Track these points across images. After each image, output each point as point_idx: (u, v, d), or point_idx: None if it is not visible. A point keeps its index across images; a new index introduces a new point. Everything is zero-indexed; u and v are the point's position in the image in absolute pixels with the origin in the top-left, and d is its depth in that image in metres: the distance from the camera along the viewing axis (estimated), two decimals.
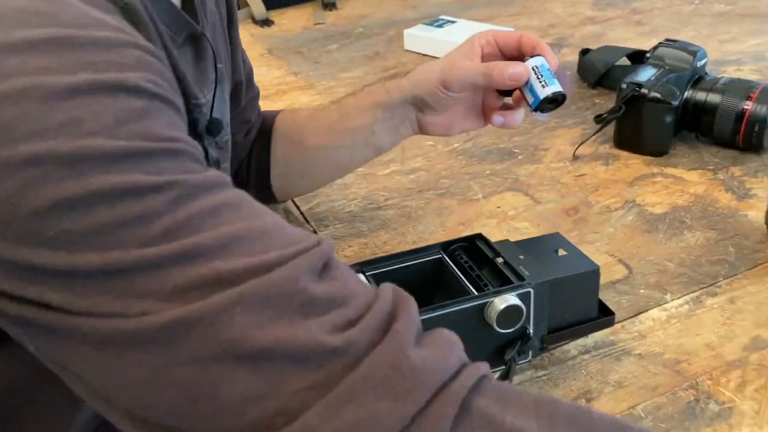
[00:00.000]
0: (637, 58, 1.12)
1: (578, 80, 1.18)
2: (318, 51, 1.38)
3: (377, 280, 0.60)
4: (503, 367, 0.57)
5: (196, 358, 0.34)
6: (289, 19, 1.58)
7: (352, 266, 0.61)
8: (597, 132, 0.96)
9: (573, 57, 1.22)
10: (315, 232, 0.84)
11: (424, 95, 0.70)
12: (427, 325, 0.53)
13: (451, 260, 0.62)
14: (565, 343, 0.64)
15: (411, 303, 0.39)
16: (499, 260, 0.59)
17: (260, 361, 0.34)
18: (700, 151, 0.95)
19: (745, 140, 0.91)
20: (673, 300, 0.70)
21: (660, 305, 0.69)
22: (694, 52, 0.94)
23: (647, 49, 1.00)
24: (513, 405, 0.37)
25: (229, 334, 0.34)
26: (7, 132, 0.33)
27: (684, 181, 0.89)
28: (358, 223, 0.86)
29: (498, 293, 0.55)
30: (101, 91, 0.35)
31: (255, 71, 0.80)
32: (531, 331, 0.57)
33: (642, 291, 0.71)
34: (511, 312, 0.54)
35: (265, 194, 0.81)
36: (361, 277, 0.60)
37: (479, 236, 0.63)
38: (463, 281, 0.58)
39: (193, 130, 0.57)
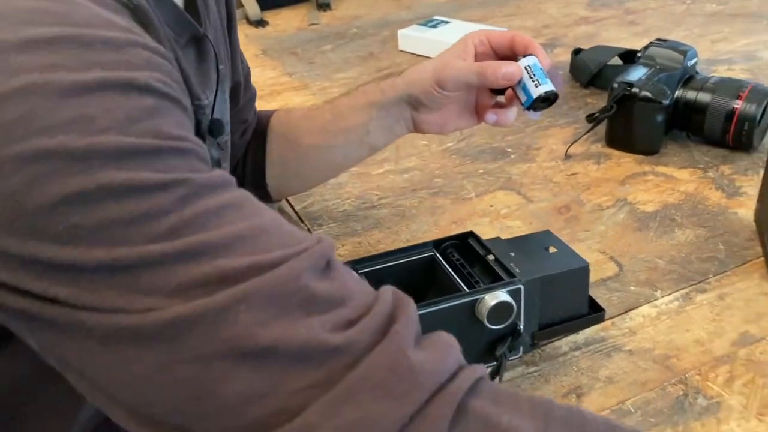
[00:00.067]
0: (629, 57, 1.13)
1: (570, 80, 1.18)
2: (312, 51, 1.39)
3: (370, 278, 0.61)
4: (494, 363, 0.57)
5: (199, 355, 0.35)
6: (283, 20, 1.58)
7: (345, 264, 0.62)
8: (589, 131, 0.96)
9: (566, 57, 1.23)
10: (309, 231, 0.85)
11: (418, 94, 0.71)
12: (420, 322, 0.54)
13: (443, 258, 0.62)
14: (556, 340, 0.65)
15: (410, 305, 0.39)
16: (490, 257, 0.60)
17: (263, 359, 0.35)
18: (691, 149, 0.96)
19: (735, 139, 0.92)
20: (663, 297, 0.70)
21: (650, 302, 0.70)
22: (684, 51, 0.95)
23: (640, 48, 1.01)
24: (509, 406, 0.37)
25: (232, 332, 0.35)
26: (17, 128, 0.34)
27: (675, 179, 0.90)
28: (351, 222, 0.86)
29: (489, 290, 0.56)
30: (113, 89, 0.36)
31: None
32: (521, 327, 0.58)
33: (632, 288, 0.72)
34: (501, 308, 0.55)
35: (261, 194, 0.81)
36: None
37: (471, 234, 0.64)
38: (455, 278, 0.59)
39: (196, 131, 0.57)
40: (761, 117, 0.89)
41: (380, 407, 0.34)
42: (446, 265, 0.61)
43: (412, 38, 1.34)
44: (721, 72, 1.14)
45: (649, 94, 0.91)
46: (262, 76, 1.28)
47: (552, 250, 0.62)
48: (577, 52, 1.20)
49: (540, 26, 1.43)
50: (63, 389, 0.40)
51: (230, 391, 0.35)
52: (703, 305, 0.69)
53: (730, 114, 0.90)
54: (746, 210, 0.82)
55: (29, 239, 0.34)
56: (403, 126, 0.75)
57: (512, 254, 0.60)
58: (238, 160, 0.80)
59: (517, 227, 0.82)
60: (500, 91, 0.73)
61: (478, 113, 0.75)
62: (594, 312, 0.62)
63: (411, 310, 0.39)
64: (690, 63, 0.95)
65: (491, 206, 0.87)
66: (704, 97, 0.92)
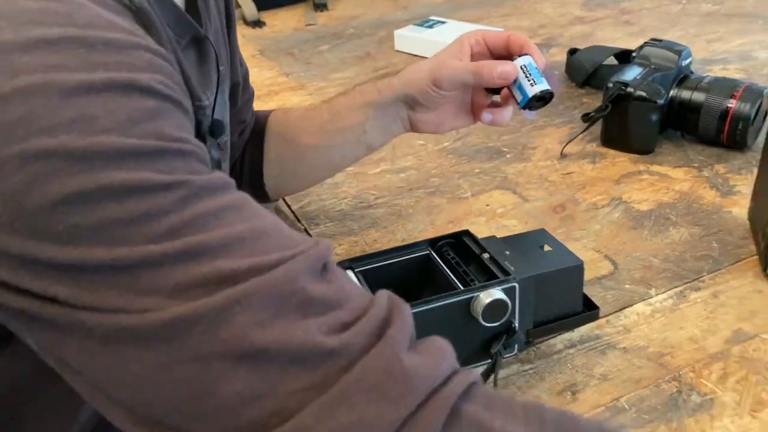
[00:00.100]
0: (625, 57, 1.14)
1: (566, 80, 1.19)
2: (309, 52, 1.39)
3: (366, 276, 0.61)
4: (489, 360, 0.58)
5: (197, 355, 0.35)
6: (280, 20, 1.59)
7: (342, 263, 0.62)
8: (584, 131, 0.97)
9: (561, 57, 1.23)
10: (306, 230, 0.85)
11: (415, 94, 0.72)
12: (415, 320, 0.54)
13: (438, 256, 0.63)
14: (551, 338, 0.65)
15: (405, 309, 0.39)
16: (486, 256, 0.60)
17: (259, 360, 0.35)
18: (686, 148, 0.96)
19: (729, 138, 0.92)
20: (657, 295, 0.71)
21: (644, 300, 0.70)
22: (679, 51, 0.95)
23: (635, 48, 1.01)
24: (502, 411, 0.38)
25: (229, 333, 0.35)
26: (19, 127, 0.34)
27: (669, 178, 0.90)
28: (348, 221, 0.87)
29: (484, 288, 0.56)
30: (115, 90, 0.36)
31: None
32: (516, 325, 0.58)
33: (627, 286, 0.72)
34: (496, 306, 0.56)
35: (259, 193, 0.82)
36: (350, 273, 0.62)
37: (466, 233, 0.64)
38: (450, 277, 0.59)
39: (197, 132, 0.57)
40: (755, 116, 0.90)
41: (374, 410, 0.35)
42: (442, 264, 0.62)
43: (409, 38, 1.35)
44: (716, 72, 1.15)
45: (643, 94, 0.92)
46: (260, 76, 1.28)
47: (547, 248, 0.63)
48: (572, 52, 1.20)
49: (536, 26, 1.44)
50: (63, 389, 0.40)
51: (227, 391, 0.35)
52: (697, 303, 0.69)
53: (725, 113, 0.91)
54: (740, 209, 0.82)
55: (30, 239, 0.34)
56: (399, 125, 0.76)
57: (507, 252, 0.60)
58: (236, 159, 0.80)
59: (513, 226, 0.83)
60: (496, 91, 0.73)
61: (474, 113, 0.76)
62: (588, 310, 0.62)
63: (406, 314, 0.39)
64: (684, 63, 0.96)
65: (487, 205, 0.88)
66: (699, 96, 0.93)
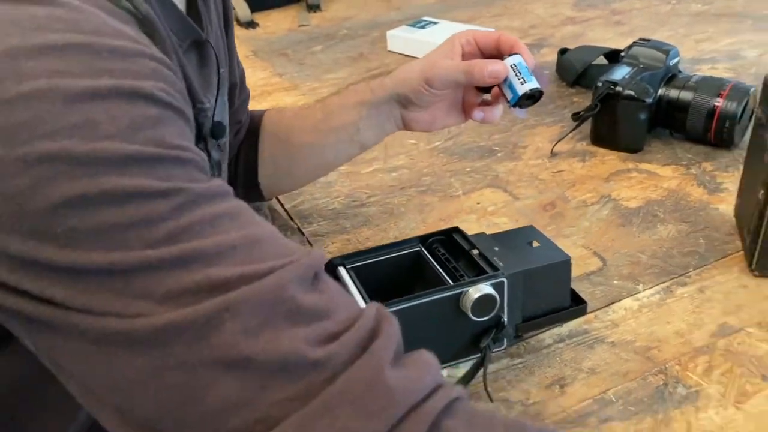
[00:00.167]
0: (614, 57, 1.15)
1: (557, 79, 1.20)
2: (302, 52, 1.40)
3: (358, 273, 0.62)
4: (479, 354, 0.59)
5: (185, 362, 0.35)
6: (273, 21, 1.60)
7: (333, 260, 0.63)
8: (574, 129, 0.98)
9: (552, 57, 1.24)
10: (299, 229, 0.86)
11: (407, 93, 0.73)
12: (406, 315, 0.55)
13: (429, 253, 0.64)
14: (540, 332, 0.66)
15: (392, 322, 0.40)
16: (475, 252, 0.61)
17: (246, 368, 0.35)
18: (674, 147, 0.97)
19: (716, 136, 0.93)
20: (645, 290, 0.72)
21: (632, 295, 0.71)
22: (667, 50, 0.97)
23: (624, 48, 1.02)
24: (482, 427, 0.38)
25: (218, 340, 0.35)
26: (23, 131, 0.34)
27: (658, 176, 0.91)
28: (341, 219, 0.88)
29: (473, 283, 0.57)
30: (119, 97, 0.36)
31: None
32: (505, 319, 0.59)
33: (615, 282, 0.73)
34: (485, 301, 0.57)
35: (253, 192, 0.82)
36: (342, 270, 0.63)
37: (456, 229, 0.65)
38: (440, 272, 0.61)
39: (198, 134, 0.58)
40: (741, 114, 0.91)
41: (354, 423, 0.35)
42: (432, 260, 0.63)
43: (401, 39, 1.36)
44: (705, 71, 1.16)
45: (632, 93, 0.93)
46: (253, 77, 1.29)
47: (535, 244, 0.64)
48: (563, 51, 1.22)
49: (527, 26, 1.45)
50: (63, 389, 0.41)
51: (214, 398, 0.35)
52: (684, 298, 0.71)
53: (712, 112, 0.92)
54: (727, 205, 0.84)
55: (30, 240, 0.35)
56: (392, 124, 0.77)
57: (496, 249, 0.61)
58: (231, 159, 0.81)
59: (503, 224, 0.84)
60: (487, 90, 0.74)
61: (466, 111, 0.77)
62: (576, 305, 0.63)
63: (393, 327, 0.39)
64: (672, 62, 0.97)
65: (478, 203, 0.89)
66: (686, 95, 0.94)
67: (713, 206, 0.84)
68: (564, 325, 0.67)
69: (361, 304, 0.57)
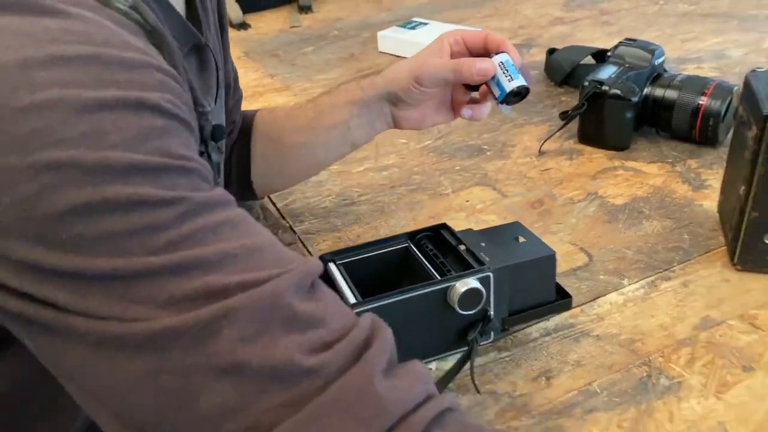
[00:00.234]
0: (602, 56, 1.17)
1: (545, 79, 1.22)
2: (294, 53, 1.42)
3: (348, 268, 0.63)
4: (466, 347, 0.60)
5: (181, 367, 0.36)
6: (265, 23, 1.61)
7: (324, 256, 0.65)
8: (561, 128, 1.00)
9: (541, 57, 1.26)
10: (291, 227, 0.88)
11: (398, 91, 0.74)
12: (395, 308, 0.56)
13: (417, 249, 0.65)
14: (527, 326, 0.68)
15: (386, 332, 0.40)
16: (462, 248, 0.62)
17: (240, 375, 0.36)
18: (660, 145, 0.99)
19: (701, 134, 0.95)
20: (630, 285, 0.73)
21: (618, 290, 0.73)
22: (652, 50, 0.98)
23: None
24: None
25: (214, 347, 0.36)
26: (33, 139, 0.35)
27: (644, 173, 0.93)
28: (332, 218, 0.89)
29: (459, 277, 0.58)
30: (126, 108, 0.37)
31: None
32: (492, 313, 0.61)
33: (601, 277, 0.75)
34: (471, 295, 0.58)
35: (246, 192, 0.83)
36: (332, 266, 0.64)
37: (444, 226, 0.67)
38: (428, 268, 0.62)
39: (199, 137, 0.58)
40: (725, 112, 0.93)
41: (345, 431, 0.36)
42: (420, 256, 0.64)
43: (392, 39, 1.37)
44: (691, 70, 1.18)
45: (618, 92, 0.95)
46: (245, 77, 1.30)
47: (521, 240, 0.65)
48: (551, 52, 1.23)
49: (516, 27, 1.46)
50: (63, 392, 0.41)
51: (208, 404, 0.36)
52: (668, 292, 0.72)
53: (696, 110, 0.94)
54: (711, 202, 0.85)
55: (36, 245, 0.35)
56: (383, 122, 0.78)
57: (483, 244, 0.62)
58: (224, 159, 0.82)
59: (492, 221, 0.85)
60: (475, 88, 0.76)
61: (454, 109, 0.79)
62: (562, 298, 0.64)
63: (386, 337, 0.40)
64: (657, 61, 0.99)
65: (467, 201, 0.90)
66: (671, 94, 0.96)
67: (697, 203, 0.86)
68: (550, 319, 0.69)
69: (351, 299, 0.58)
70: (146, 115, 0.38)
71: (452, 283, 0.58)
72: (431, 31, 1.37)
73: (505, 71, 0.71)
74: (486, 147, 1.02)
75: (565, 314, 0.69)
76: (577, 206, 0.87)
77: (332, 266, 0.63)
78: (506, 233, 0.66)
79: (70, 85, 0.36)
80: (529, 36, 1.41)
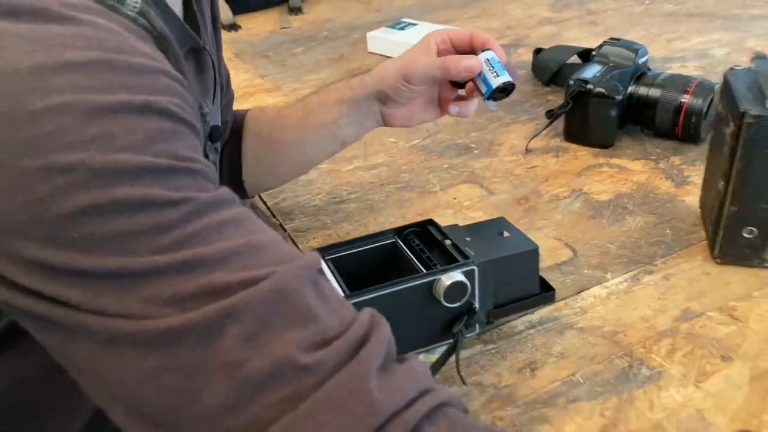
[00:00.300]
0: (588, 56, 1.18)
1: (532, 78, 1.23)
2: (284, 54, 1.43)
3: (336, 264, 0.65)
4: (452, 340, 0.61)
5: (186, 365, 0.37)
6: (255, 24, 1.62)
7: (313, 251, 0.66)
8: (547, 126, 1.01)
9: (528, 57, 1.28)
10: (281, 225, 0.89)
11: (386, 89, 0.76)
12: (382, 301, 0.58)
13: (404, 244, 0.67)
14: (513, 319, 0.69)
15: (383, 328, 0.41)
16: (448, 242, 0.64)
17: (241, 373, 0.37)
18: (644, 142, 1.01)
19: (684, 131, 0.97)
20: (613, 278, 0.75)
21: (601, 283, 0.74)
22: (636, 49, 1.00)
23: None
24: None
25: (217, 345, 0.37)
26: (46, 142, 0.37)
27: (628, 170, 0.95)
28: (322, 216, 0.90)
29: (445, 271, 0.60)
30: (135, 111, 0.39)
31: None
32: (477, 305, 0.62)
33: (585, 271, 0.76)
34: (456, 288, 0.59)
35: (238, 191, 0.84)
36: (321, 262, 0.65)
37: (430, 221, 0.68)
38: (415, 262, 0.63)
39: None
40: (707, 110, 0.95)
41: (335, 428, 0.36)
42: (407, 250, 0.65)
43: (381, 40, 1.39)
44: (676, 69, 1.20)
45: (603, 91, 0.96)
46: (235, 78, 1.30)
47: (505, 234, 0.67)
48: (538, 51, 1.25)
49: (504, 27, 1.48)
50: (63, 391, 0.43)
51: (210, 400, 0.37)
52: (650, 285, 0.74)
53: (679, 108, 0.96)
54: (693, 197, 0.87)
55: (47, 245, 0.37)
56: (372, 120, 0.80)
57: (468, 239, 0.64)
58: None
59: (479, 218, 0.86)
60: (461, 85, 0.78)
61: (442, 106, 0.80)
62: (545, 292, 0.66)
63: (383, 333, 0.40)
64: (641, 60, 1.00)
65: (455, 198, 0.92)
66: (655, 92, 0.98)
67: (680, 198, 0.88)
68: (535, 312, 0.70)
69: (340, 293, 0.60)
70: (154, 119, 0.39)
71: (438, 277, 0.59)
72: (420, 32, 1.38)
73: (491, 68, 0.73)
74: (473, 145, 1.04)
75: (550, 307, 0.71)
76: (563, 203, 0.89)
77: (323, 264, 0.64)
78: (491, 228, 0.67)
79: (81, 90, 0.38)
80: (517, 36, 1.43)
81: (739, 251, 0.74)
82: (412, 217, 0.88)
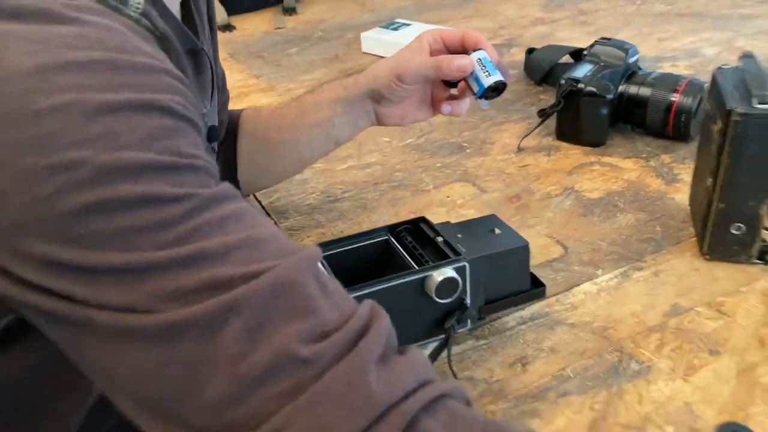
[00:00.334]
0: (580, 55, 1.19)
1: (525, 78, 1.24)
2: (278, 54, 1.44)
3: (330, 261, 0.65)
4: (444, 335, 0.62)
5: (187, 358, 0.38)
6: (250, 24, 1.63)
7: None
8: (539, 125, 1.02)
9: (521, 56, 1.29)
10: (276, 224, 0.90)
11: (380, 89, 0.77)
12: (374, 298, 0.58)
13: (397, 241, 0.68)
14: (504, 315, 0.70)
15: (383, 320, 0.41)
16: (439, 239, 0.65)
17: (242, 366, 0.37)
18: (635, 141, 1.02)
19: (674, 130, 0.98)
20: (603, 275, 0.76)
21: (591, 280, 0.75)
22: (626, 49, 1.01)
23: None
24: (459, 428, 0.39)
25: (219, 338, 0.38)
26: (51, 141, 0.37)
27: (619, 168, 0.96)
28: (316, 214, 0.91)
29: (436, 267, 0.61)
30: (138, 109, 0.39)
31: None
32: (468, 301, 0.63)
33: (576, 268, 0.77)
34: (448, 284, 0.60)
35: None
36: None
37: (422, 219, 0.69)
38: (407, 259, 0.64)
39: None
40: (697, 109, 0.96)
41: (332, 420, 0.37)
42: (399, 247, 0.66)
43: (375, 40, 1.40)
44: (667, 68, 1.21)
45: (594, 90, 0.97)
46: (230, 78, 1.30)
47: (497, 231, 0.67)
48: (530, 51, 1.26)
49: (497, 27, 1.49)
50: (62, 389, 0.43)
51: (212, 392, 0.38)
52: (640, 282, 0.75)
53: (669, 107, 0.97)
54: (683, 195, 0.88)
55: (53, 242, 0.37)
56: (366, 119, 0.81)
57: (459, 236, 0.65)
58: None
59: (471, 216, 0.87)
60: (453, 84, 0.79)
61: (434, 105, 0.81)
62: (536, 288, 0.67)
63: (382, 325, 0.41)
64: (632, 60, 1.02)
65: (448, 197, 0.92)
66: (645, 91, 0.99)
67: (670, 196, 0.89)
68: (526, 308, 0.71)
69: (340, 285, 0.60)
70: (156, 117, 0.40)
71: (429, 273, 0.60)
72: (414, 32, 1.39)
73: (483, 67, 0.74)
74: (466, 144, 1.05)
75: (541, 303, 0.72)
76: (554, 200, 0.90)
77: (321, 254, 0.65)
78: (482, 225, 0.68)
79: (84, 89, 0.38)
80: (510, 36, 1.44)
81: (727, 247, 0.75)
82: (405, 215, 0.89)
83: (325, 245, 0.67)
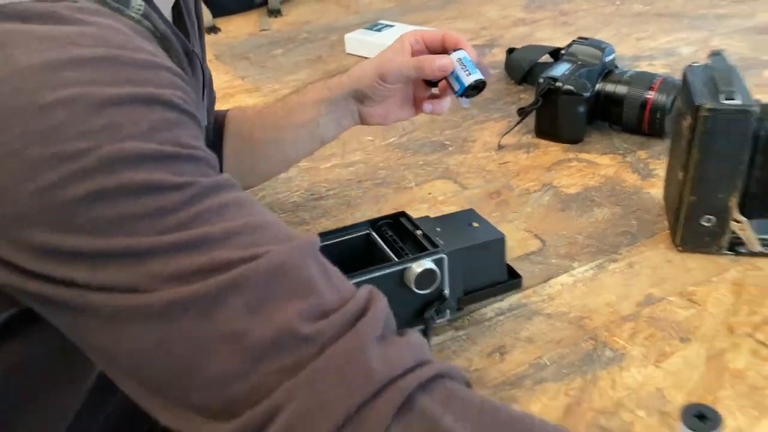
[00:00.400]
0: (559, 55, 1.22)
1: (505, 77, 1.27)
2: (263, 56, 1.45)
3: None
4: (423, 326, 0.64)
5: (190, 335, 0.39)
6: (235, 26, 1.64)
7: None
8: (518, 123, 1.04)
9: (502, 56, 1.31)
10: None
11: (363, 89, 0.79)
12: None
13: (378, 235, 0.69)
14: (483, 307, 0.72)
15: (381, 302, 0.43)
16: (419, 233, 0.67)
17: (244, 342, 0.39)
18: (612, 138, 1.04)
19: (650, 126, 1.00)
20: (580, 267, 0.78)
21: (568, 272, 0.78)
22: (603, 48, 1.04)
23: None
24: (456, 407, 0.40)
25: (220, 315, 0.39)
26: (56, 132, 0.39)
27: (596, 164, 0.98)
28: (301, 212, 0.93)
29: (415, 259, 0.63)
30: (140, 103, 0.41)
31: None
32: (447, 292, 0.65)
33: (553, 261, 0.80)
34: (426, 275, 0.62)
35: None
36: None
37: (402, 214, 0.71)
38: (388, 252, 0.66)
39: None
40: (671, 106, 0.98)
41: (331, 396, 0.38)
42: (380, 241, 0.68)
43: (359, 41, 1.41)
44: (644, 67, 1.23)
45: (571, 88, 1.00)
46: (216, 80, 1.30)
47: (474, 225, 0.70)
48: (511, 51, 1.28)
49: (479, 28, 1.51)
50: (57, 383, 0.44)
51: (214, 369, 0.39)
52: (615, 273, 0.77)
53: (644, 104, 0.99)
54: (657, 189, 0.90)
55: (55, 231, 0.39)
56: (350, 119, 0.83)
57: (438, 229, 0.67)
58: None
59: (452, 211, 0.90)
60: (434, 84, 0.81)
61: (416, 105, 0.83)
62: (513, 279, 0.69)
63: (380, 307, 0.42)
64: (608, 58, 1.04)
65: (429, 194, 0.94)
66: (621, 89, 1.01)
67: (645, 191, 0.91)
68: (504, 299, 0.73)
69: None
70: (158, 110, 0.42)
71: (408, 265, 0.62)
72: (397, 33, 1.40)
73: (464, 66, 0.76)
74: (448, 142, 1.07)
75: (519, 295, 0.74)
76: (533, 196, 0.92)
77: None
78: (460, 220, 0.70)
79: (89, 84, 0.40)
80: (492, 36, 1.46)
81: (698, 239, 0.77)
82: (388, 211, 0.89)
83: None
